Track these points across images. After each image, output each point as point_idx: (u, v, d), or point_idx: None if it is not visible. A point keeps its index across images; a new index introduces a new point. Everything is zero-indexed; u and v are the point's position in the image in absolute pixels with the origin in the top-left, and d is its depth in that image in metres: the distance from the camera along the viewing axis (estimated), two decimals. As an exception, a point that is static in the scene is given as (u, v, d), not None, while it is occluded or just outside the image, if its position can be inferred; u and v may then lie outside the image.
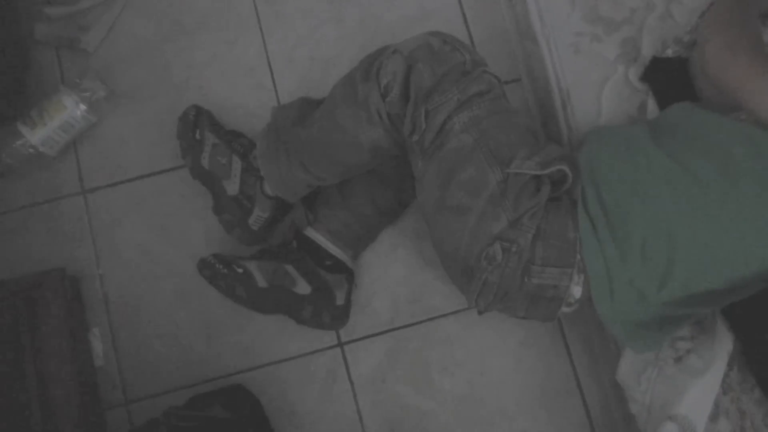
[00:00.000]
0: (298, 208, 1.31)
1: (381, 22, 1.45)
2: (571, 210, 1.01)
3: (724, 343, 1.10)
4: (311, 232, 1.26)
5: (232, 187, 1.24)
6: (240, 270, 1.20)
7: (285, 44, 1.44)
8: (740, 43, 1.00)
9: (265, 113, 1.31)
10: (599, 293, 1.00)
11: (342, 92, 1.14)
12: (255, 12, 1.45)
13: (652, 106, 1.21)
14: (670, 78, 1.20)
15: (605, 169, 1.02)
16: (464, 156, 1.02)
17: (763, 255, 0.96)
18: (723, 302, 1.03)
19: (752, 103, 0.97)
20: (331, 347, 1.32)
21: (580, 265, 0.99)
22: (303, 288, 1.22)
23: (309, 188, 1.24)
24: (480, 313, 1.11)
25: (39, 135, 1.29)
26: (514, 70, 1.44)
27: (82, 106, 1.31)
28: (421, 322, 1.34)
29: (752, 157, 0.95)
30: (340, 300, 1.24)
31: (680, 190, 0.96)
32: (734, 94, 1.00)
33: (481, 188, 1.00)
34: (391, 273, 1.35)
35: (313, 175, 1.20)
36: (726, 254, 0.96)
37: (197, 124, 1.27)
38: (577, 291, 1.01)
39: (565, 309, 1.05)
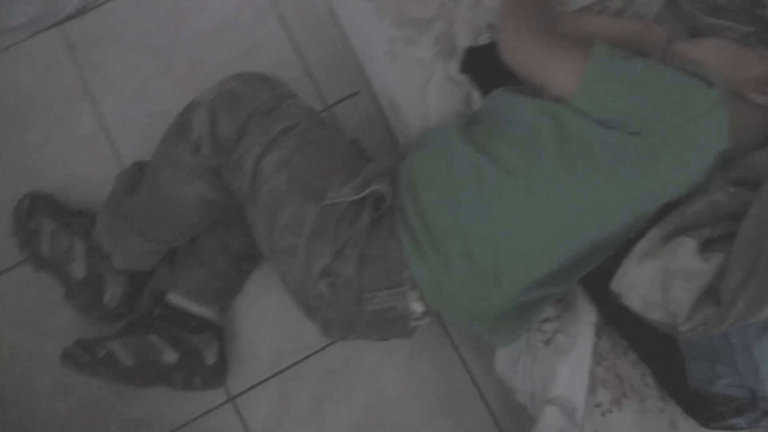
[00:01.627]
0: (159, 273, 1.29)
1: (211, 64, 1.42)
2: (394, 227, 1.00)
3: (587, 316, 1.10)
4: (171, 297, 1.24)
5: (78, 271, 1.21)
6: (102, 353, 1.17)
7: (118, 107, 1.41)
8: (524, 25, 1.00)
9: (111, 183, 1.27)
10: (440, 304, 0.99)
11: (161, 154, 1.12)
12: (81, 80, 1.42)
13: (476, 96, 1.20)
14: (487, 65, 1.19)
15: (422, 176, 1.01)
16: (280, 197, 1.00)
17: (586, 229, 0.96)
18: (573, 277, 1.02)
19: (544, 82, 0.97)
20: (222, 404, 1.30)
21: (411, 281, 0.98)
22: (170, 356, 1.19)
23: (158, 254, 1.21)
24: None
25: None
26: (356, 83, 1.43)
27: None
28: (306, 357, 1.32)
29: (557, 136, 0.94)
30: (210, 359, 1.22)
31: (491, 186, 0.95)
32: (527, 76, 1.00)
33: (301, 226, 0.99)
34: (268, 315, 1.33)
35: (156, 240, 1.17)
36: (549, 238, 0.96)
37: (31, 214, 1.24)
38: (417, 306, 1.00)
39: (417, 323, 1.04)
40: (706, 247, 0.95)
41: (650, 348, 1.09)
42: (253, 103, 1.04)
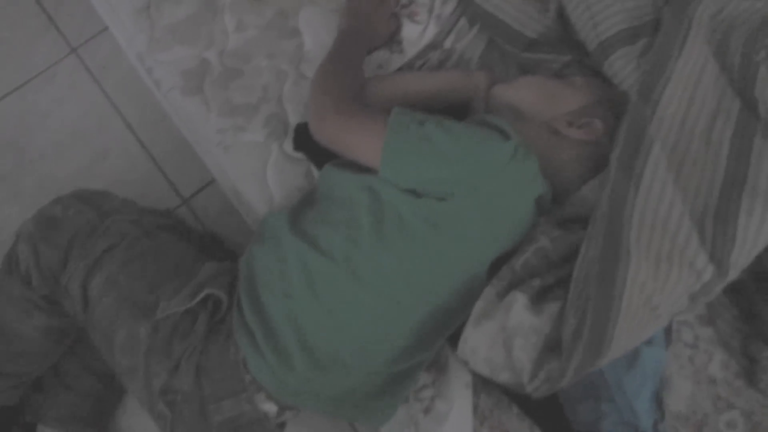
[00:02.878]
0: (30, 403, 1.23)
1: (60, 180, 1.39)
2: (232, 330, 0.96)
3: (460, 376, 1.06)
4: (42, 430, 1.18)
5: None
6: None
7: (-29, 240, 1.37)
8: (326, 102, 0.99)
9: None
10: (293, 400, 0.95)
11: None
12: (-71, 218, 1.38)
13: (316, 171, 1.18)
14: (319, 139, 1.17)
15: (259, 271, 0.98)
16: (112, 320, 0.97)
17: (421, 301, 0.93)
18: (435, 343, 0.99)
19: (353, 158, 0.96)
20: None
21: (255, 384, 0.93)
22: (43, 496, 1.14)
23: (19, 387, 1.16)
24: None
25: None
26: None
27: None
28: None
29: (373, 211, 0.92)
30: (91, 489, 1.16)
31: (315, 273, 0.92)
32: (340, 153, 0.98)
33: (136, 347, 0.95)
34: (152, 427, 1.27)
35: (12, 375, 1.13)
36: (384, 317, 0.93)
37: None
38: (269, 407, 0.96)
39: (279, 420, 1.00)
40: (542, 296, 0.93)
41: (529, 399, 1.06)
42: (73, 226, 1.02)
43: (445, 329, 0.97)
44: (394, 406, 1.02)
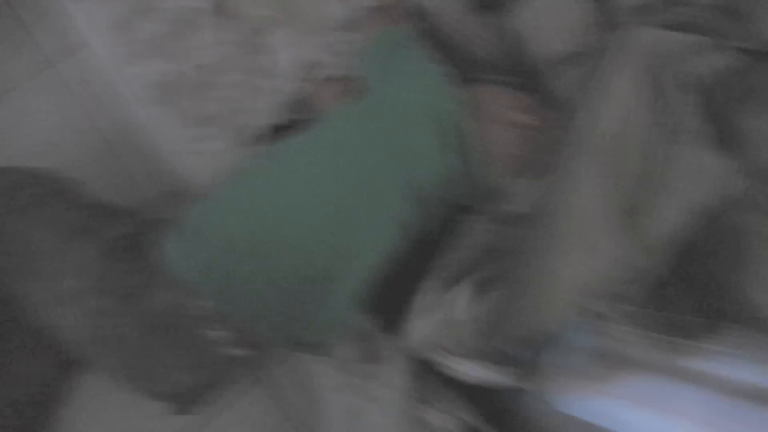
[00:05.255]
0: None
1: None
2: None
3: (396, 364, 1.11)
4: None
5: None
6: None
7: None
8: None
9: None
10: (205, 281, 0.99)
11: None
12: None
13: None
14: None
15: None
16: (53, 251, 1.00)
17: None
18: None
19: None
20: None
21: None
22: None
23: None
24: None
25: None
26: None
27: None
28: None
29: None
30: None
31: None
32: None
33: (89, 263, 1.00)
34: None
35: None
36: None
37: None
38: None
39: (215, 334, 1.00)
40: (484, 288, 1.00)
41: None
42: None
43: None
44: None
